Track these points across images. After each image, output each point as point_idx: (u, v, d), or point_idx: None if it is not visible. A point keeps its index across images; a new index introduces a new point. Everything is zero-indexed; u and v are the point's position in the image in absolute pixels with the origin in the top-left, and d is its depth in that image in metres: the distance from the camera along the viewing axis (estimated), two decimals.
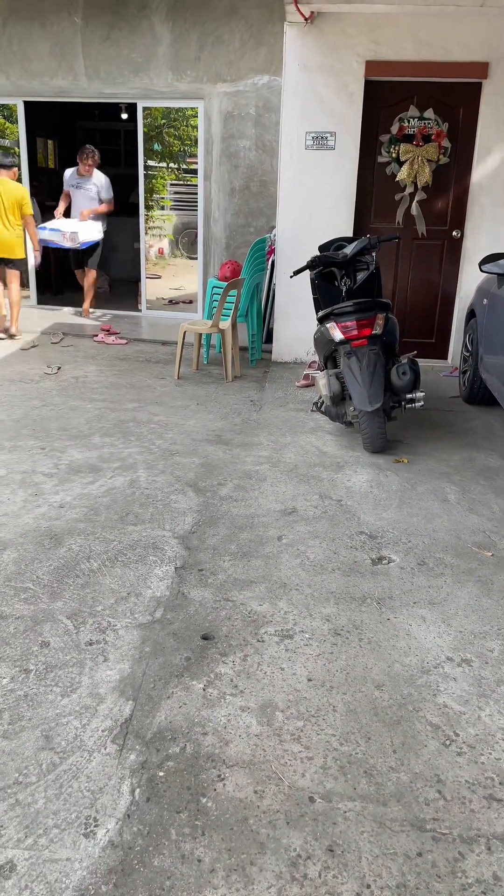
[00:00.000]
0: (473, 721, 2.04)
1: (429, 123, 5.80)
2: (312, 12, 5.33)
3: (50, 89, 7.41)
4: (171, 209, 8.01)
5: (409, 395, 4.08)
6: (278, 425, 4.61)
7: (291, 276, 4.90)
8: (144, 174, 7.76)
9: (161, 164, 7.97)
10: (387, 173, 5.97)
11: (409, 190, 5.96)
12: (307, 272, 4.61)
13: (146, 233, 8.02)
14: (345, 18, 5.45)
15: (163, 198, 8.00)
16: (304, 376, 5.65)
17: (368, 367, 3.95)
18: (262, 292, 6.51)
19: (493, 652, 2.37)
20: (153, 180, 7.87)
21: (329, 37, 5.54)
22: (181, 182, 8.18)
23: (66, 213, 7.60)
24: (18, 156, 7.83)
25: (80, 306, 7.95)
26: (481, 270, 4.42)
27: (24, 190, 6.65)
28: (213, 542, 3.03)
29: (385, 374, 4.02)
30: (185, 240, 9.16)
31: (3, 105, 7.78)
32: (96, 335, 6.87)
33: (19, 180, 7.00)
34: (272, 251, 6.44)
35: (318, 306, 4.62)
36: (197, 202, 7.64)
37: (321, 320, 4.31)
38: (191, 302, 8.24)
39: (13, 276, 6.66)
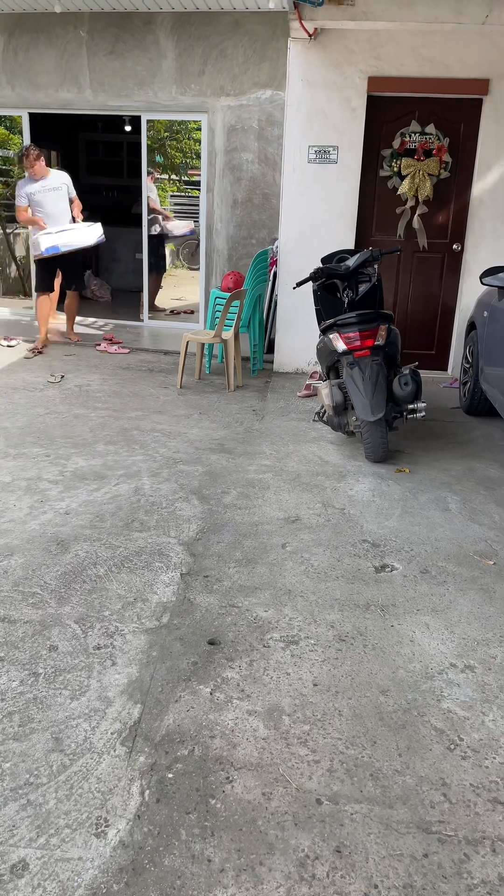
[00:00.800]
0: (477, 726, 2.07)
1: (430, 138, 5.88)
2: (316, 29, 5.42)
3: (55, 101, 7.48)
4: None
5: (410, 406, 4.12)
6: (280, 434, 4.64)
7: (294, 288, 4.96)
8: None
9: (163, 176, 8.05)
10: (388, 187, 6.04)
11: (411, 203, 6.03)
12: (309, 284, 4.67)
13: (148, 243, 8.08)
14: (347, 35, 5.53)
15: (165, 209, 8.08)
16: (306, 386, 5.70)
17: (371, 378, 3.99)
18: (264, 303, 6.57)
19: (495, 658, 2.40)
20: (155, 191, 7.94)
21: (332, 53, 5.62)
22: (183, 194, 8.26)
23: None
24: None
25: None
26: (482, 283, 4.48)
27: None
28: (217, 549, 3.06)
29: (387, 384, 4.07)
30: (185, 251, 9.24)
31: (6, 116, 7.86)
32: (98, 344, 6.91)
33: None
34: (274, 263, 6.50)
35: (320, 317, 4.68)
36: (199, 214, 7.70)
37: (324, 331, 4.36)
38: (192, 312, 8.30)
39: None
